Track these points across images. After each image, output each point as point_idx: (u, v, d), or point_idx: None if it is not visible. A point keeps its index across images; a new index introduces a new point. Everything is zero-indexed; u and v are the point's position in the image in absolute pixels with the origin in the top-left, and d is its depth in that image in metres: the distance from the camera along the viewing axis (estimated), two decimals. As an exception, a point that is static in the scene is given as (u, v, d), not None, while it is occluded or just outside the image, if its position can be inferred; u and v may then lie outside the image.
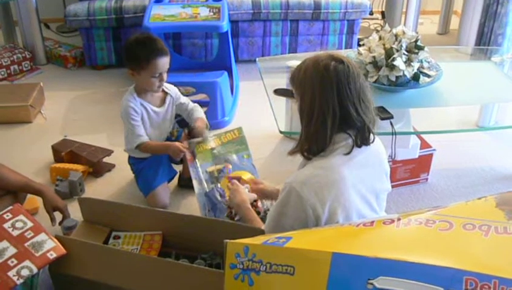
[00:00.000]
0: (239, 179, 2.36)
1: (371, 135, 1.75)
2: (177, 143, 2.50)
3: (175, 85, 2.68)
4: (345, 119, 1.68)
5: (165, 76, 2.46)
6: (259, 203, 2.28)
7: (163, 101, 2.60)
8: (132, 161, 2.69)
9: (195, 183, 2.38)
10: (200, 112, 2.66)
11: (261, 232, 1.75)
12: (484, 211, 1.35)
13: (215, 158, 2.48)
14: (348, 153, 1.70)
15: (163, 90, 2.57)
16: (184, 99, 2.67)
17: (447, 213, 1.36)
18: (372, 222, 1.40)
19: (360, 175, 1.73)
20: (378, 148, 1.83)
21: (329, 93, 1.65)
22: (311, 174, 1.69)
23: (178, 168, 2.80)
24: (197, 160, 2.45)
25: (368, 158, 1.76)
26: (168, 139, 2.69)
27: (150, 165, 2.64)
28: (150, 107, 2.53)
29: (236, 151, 2.53)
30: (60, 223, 2.34)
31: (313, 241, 1.41)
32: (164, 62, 2.42)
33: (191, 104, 2.68)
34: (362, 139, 1.72)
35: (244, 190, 2.24)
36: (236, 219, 2.27)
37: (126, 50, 2.46)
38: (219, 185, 2.40)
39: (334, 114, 1.66)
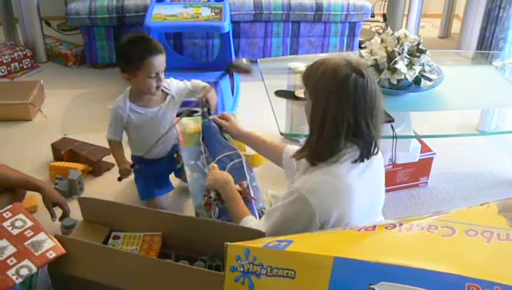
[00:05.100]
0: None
1: (376, 149, 1.73)
2: (127, 167, 2.43)
3: None
4: (356, 131, 1.65)
5: (162, 76, 2.31)
6: (237, 186, 2.16)
7: (161, 102, 2.45)
8: (133, 159, 2.65)
9: (187, 170, 2.30)
10: (199, 82, 2.53)
11: (262, 235, 1.74)
12: (486, 217, 1.35)
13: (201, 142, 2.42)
14: (355, 161, 1.69)
15: (162, 91, 2.43)
16: (181, 85, 2.52)
17: (449, 219, 1.36)
18: (374, 227, 1.40)
19: (365, 183, 1.73)
20: (379, 158, 1.83)
21: (346, 105, 1.61)
22: (320, 181, 1.69)
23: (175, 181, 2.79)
24: (186, 145, 2.39)
25: (372, 167, 1.77)
26: None
27: (150, 170, 2.58)
28: (143, 110, 2.41)
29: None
30: (60, 219, 2.34)
31: (314, 245, 1.40)
32: (160, 61, 2.27)
33: (188, 84, 2.53)
34: (368, 153, 1.71)
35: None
36: (214, 211, 2.14)
37: (119, 52, 2.34)
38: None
39: (348, 126, 1.63)
